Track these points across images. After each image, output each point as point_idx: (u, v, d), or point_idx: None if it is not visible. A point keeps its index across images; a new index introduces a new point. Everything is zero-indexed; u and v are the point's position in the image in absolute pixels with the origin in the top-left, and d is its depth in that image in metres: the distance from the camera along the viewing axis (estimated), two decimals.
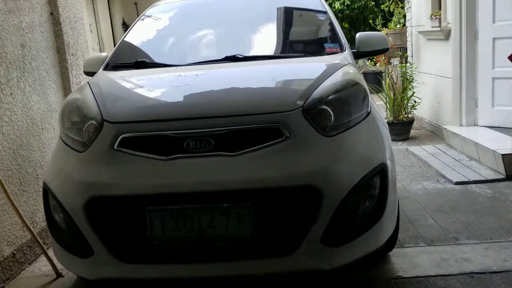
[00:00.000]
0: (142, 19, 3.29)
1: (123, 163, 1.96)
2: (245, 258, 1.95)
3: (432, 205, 3.34)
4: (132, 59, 2.85)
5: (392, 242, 2.43)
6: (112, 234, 1.98)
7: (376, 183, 2.04)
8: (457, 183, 3.76)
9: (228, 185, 1.89)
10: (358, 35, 3.04)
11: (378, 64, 7.48)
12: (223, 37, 3.01)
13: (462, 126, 4.96)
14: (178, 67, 2.60)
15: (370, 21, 9.72)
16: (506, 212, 3.11)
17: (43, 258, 2.86)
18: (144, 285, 2.28)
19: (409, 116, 5.70)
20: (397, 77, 5.90)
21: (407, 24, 6.64)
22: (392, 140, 2.56)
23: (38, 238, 2.72)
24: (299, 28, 3.16)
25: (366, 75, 7.98)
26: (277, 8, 3.22)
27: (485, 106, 4.82)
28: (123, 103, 2.22)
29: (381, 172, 2.04)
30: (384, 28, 8.09)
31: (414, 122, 5.76)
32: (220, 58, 2.66)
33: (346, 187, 1.92)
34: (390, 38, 3.08)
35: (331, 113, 2.04)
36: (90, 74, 2.97)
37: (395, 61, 6.95)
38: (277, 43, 2.99)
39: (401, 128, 5.54)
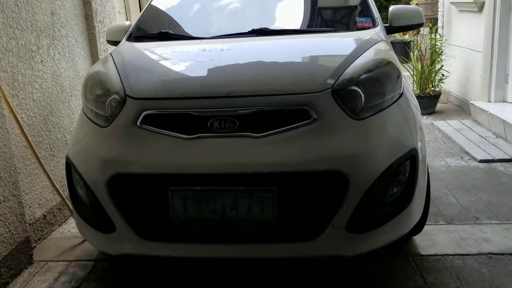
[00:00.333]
0: None
1: (146, 141, 1.93)
2: (267, 242, 1.93)
3: (454, 182, 3.33)
4: (156, 29, 2.82)
5: (419, 225, 2.34)
6: (134, 211, 1.98)
7: (405, 169, 1.96)
8: (482, 161, 3.72)
9: (252, 168, 1.85)
10: (391, 8, 2.93)
11: (407, 35, 7.30)
12: (249, 8, 2.95)
13: (490, 102, 4.87)
14: (203, 40, 2.56)
15: None
16: None
17: (72, 220, 2.99)
18: (165, 263, 2.34)
19: (436, 89, 5.60)
20: (426, 49, 5.76)
21: None
22: None
23: (67, 201, 2.83)
24: (329, 0, 3.05)
25: (393, 44, 7.80)
26: None
27: None
28: (146, 78, 2.18)
29: (411, 158, 1.96)
30: None
31: (441, 96, 5.66)
32: (246, 31, 2.59)
33: (374, 173, 1.86)
34: (421, 8, 2.98)
35: (362, 95, 1.96)
36: (113, 43, 2.98)
37: (425, 31, 6.77)
38: (306, 16, 2.90)
39: (427, 101, 5.45)
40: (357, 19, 2.73)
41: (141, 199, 1.97)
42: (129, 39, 2.75)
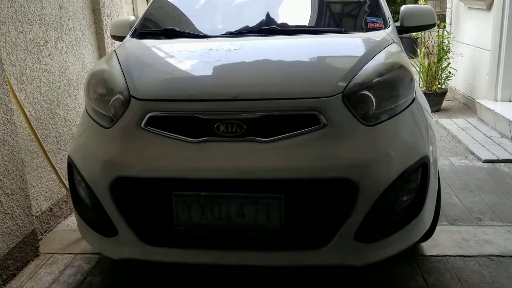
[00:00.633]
0: None
1: (150, 144, 1.89)
2: (273, 249, 1.89)
3: (458, 182, 3.33)
4: (161, 25, 2.77)
5: (429, 232, 2.27)
6: (137, 215, 1.95)
7: (417, 177, 1.91)
8: (486, 161, 3.72)
9: (259, 174, 1.80)
10: (403, 8, 2.85)
11: None
12: (258, 7, 2.87)
13: (496, 101, 4.85)
14: (210, 39, 2.51)
15: None
16: None
17: None
18: (169, 268, 2.32)
19: (442, 87, 5.58)
20: (433, 46, 5.73)
21: None
22: None
23: None
24: None
25: (400, 40, 7.76)
26: None
27: None
28: (151, 78, 2.11)
29: (423, 165, 1.91)
30: None
31: (447, 93, 5.64)
32: (255, 30, 2.54)
33: (385, 182, 1.81)
34: (433, 9, 2.97)
35: (373, 100, 1.89)
36: (117, 38, 2.93)
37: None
38: (315, 16, 2.83)
39: (433, 99, 5.44)
40: (368, 19, 2.66)
41: (144, 203, 1.94)
42: (134, 35, 2.68)
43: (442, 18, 6.47)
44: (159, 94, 1.98)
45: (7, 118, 2.33)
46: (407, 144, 1.91)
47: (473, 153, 3.92)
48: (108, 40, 3.69)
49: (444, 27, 6.22)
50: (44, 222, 2.82)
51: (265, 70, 2.10)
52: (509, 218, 2.78)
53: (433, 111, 5.41)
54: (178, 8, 3.05)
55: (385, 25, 2.58)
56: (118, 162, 1.91)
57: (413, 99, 2.04)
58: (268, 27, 2.51)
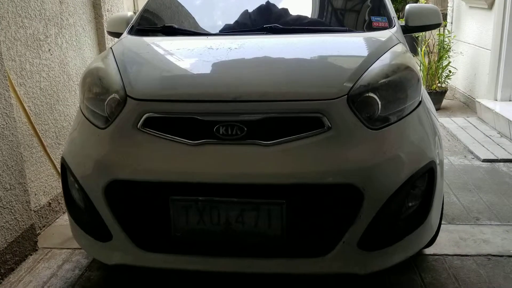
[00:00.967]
0: None
1: (147, 146, 1.82)
2: (274, 256, 1.83)
3: (456, 182, 3.34)
4: (160, 22, 2.71)
5: (433, 237, 2.17)
6: (132, 220, 1.89)
7: (423, 182, 1.86)
8: (485, 160, 3.73)
9: (260, 178, 1.74)
10: (408, 7, 2.78)
11: None
12: (260, 4, 2.76)
13: (496, 100, 4.86)
14: (209, 37, 2.45)
15: None
16: None
17: None
18: (165, 274, 2.26)
19: (442, 86, 5.58)
20: (433, 44, 5.73)
21: None
22: None
23: None
24: None
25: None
26: None
27: None
28: (148, 77, 2.03)
29: (430, 170, 1.85)
30: None
31: (447, 92, 5.64)
32: (256, 28, 2.46)
33: (390, 188, 1.75)
34: (429, 2, 2.96)
35: (379, 102, 1.83)
36: (114, 34, 2.86)
37: None
38: (319, 14, 2.77)
39: (434, 98, 5.41)
40: (373, 18, 2.58)
41: (140, 208, 1.88)
42: (131, 32, 2.60)
43: (443, 16, 6.45)
44: (157, 94, 1.91)
45: (6, 113, 2.33)
46: (413, 148, 1.85)
47: (472, 153, 3.93)
48: (109, 35, 3.68)
49: (445, 25, 6.21)
50: (42, 217, 2.83)
51: (267, 71, 2.02)
52: (507, 218, 2.78)
53: None
54: (177, 5, 2.98)
55: (390, 25, 2.51)
56: (113, 165, 1.84)
57: (420, 102, 1.98)
58: (270, 25, 2.44)
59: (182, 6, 2.96)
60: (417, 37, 7.08)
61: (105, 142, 1.90)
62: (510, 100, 4.81)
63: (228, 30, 2.58)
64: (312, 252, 1.82)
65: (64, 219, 2.97)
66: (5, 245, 2.34)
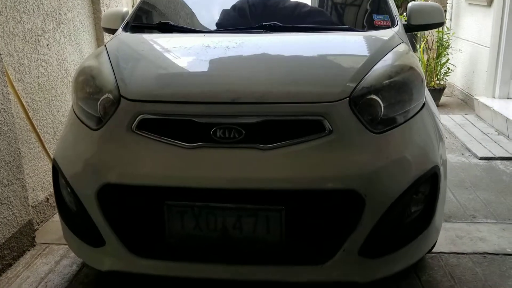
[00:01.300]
0: None
1: (141, 148, 1.76)
2: (272, 263, 1.78)
3: (454, 179, 3.35)
4: (156, 18, 2.65)
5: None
6: (126, 225, 1.84)
7: (427, 187, 1.81)
8: (482, 158, 3.74)
9: (258, 183, 1.68)
10: (410, 5, 2.71)
11: None
12: (259, 1, 2.72)
13: (494, 98, 4.87)
14: (207, 34, 2.38)
15: None
16: None
17: None
18: (159, 280, 2.18)
19: (441, 83, 5.59)
20: (432, 41, 5.73)
21: None
22: None
23: None
24: None
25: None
26: None
27: None
28: (143, 77, 1.96)
29: (433, 176, 1.80)
30: None
31: (445, 89, 5.65)
32: (255, 26, 2.38)
33: (393, 194, 1.70)
34: (441, 6, 2.98)
35: (381, 104, 1.77)
36: (108, 30, 2.81)
37: None
38: (319, 11, 2.71)
39: (432, 95, 5.31)
40: (375, 16, 2.52)
41: (134, 213, 1.82)
42: (126, 29, 2.51)
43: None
44: (152, 95, 1.84)
45: (4, 109, 2.33)
46: (417, 153, 1.79)
47: (469, 150, 3.94)
48: None
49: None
50: (40, 213, 2.83)
51: (266, 72, 1.95)
52: (503, 216, 2.80)
53: None
54: (173, 0, 2.91)
55: (393, 24, 2.44)
56: (106, 168, 1.78)
57: (423, 104, 1.92)
58: (269, 23, 2.36)
59: (179, 2, 2.90)
60: (416, 34, 7.08)
61: (97, 144, 1.84)
62: (508, 98, 4.82)
63: (226, 28, 2.52)
64: (311, 259, 1.77)
65: None
66: (3, 241, 2.34)
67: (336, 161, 1.69)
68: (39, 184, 2.83)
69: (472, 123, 4.67)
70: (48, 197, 2.91)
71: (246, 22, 2.56)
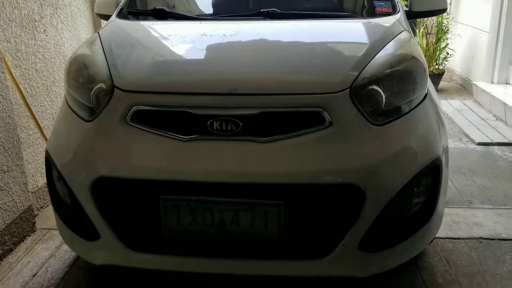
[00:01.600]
0: None
1: (136, 141, 1.72)
2: (270, 258, 1.76)
3: (451, 165, 3.34)
4: (150, 4, 2.57)
5: None
6: (121, 219, 1.80)
7: (429, 180, 1.78)
8: (480, 143, 3.75)
9: (256, 177, 1.64)
10: None
11: None
12: None
13: (493, 83, 4.86)
14: (203, 22, 2.31)
15: None
16: None
17: None
18: (155, 274, 2.17)
19: (440, 67, 5.58)
20: (432, 26, 5.70)
21: None
22: None
23: None
24: None
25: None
26: None
27: None
28: (137, 66, 1.90)
29: (435, 169, 1.77)
30: None
31: (444, 74, 5.64)
32: (253, 13, 2.32)
33: (394, 188, 1.67)
34: None
35: (383, 95, 1.73)
36: (102, 16, 2.74)
37: None
38: None
39: (431, 80, 5.42)
40: (376, 3, 2.44)
41: (129, 206, 1.78)
42: (120, 15, 2.43)
43: None
44: (146, 86, 1.79)
45: (2, 95, 2.33)
46: (419, 145, 1.75)
47: (467, 136, 3.95)
48: None
49: None
50: (40, 198, 2.85)
51: (265, 61, 1.90)
52: (499, 201, 2.82)
53: None
54: None
55: (394, 10, 2.37)
56: (100, 161, 1.73)
57: (426, 94, 1.88)
58: (268, 10, 2.30)
59: None
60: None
61: (91, 136, 1.79)
62: (506, 83, 4.82)
63: (223, 14, 2.46)
64: (310, 254, 1.74)
65: None
66: (4, 227, 2.36)
67: (336, 154, 1.65)
68: (39, 170, 2.84)
69: (470, 109, 4.68)
70: None
71: (244, 8, 2.51)
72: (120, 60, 1.93)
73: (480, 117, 4.40)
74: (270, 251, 1.75)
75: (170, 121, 1.72)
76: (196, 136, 1.68)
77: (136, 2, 2.65)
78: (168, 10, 2.43)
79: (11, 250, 2.42)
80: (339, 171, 1.64)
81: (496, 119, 4.31)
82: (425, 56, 5.48)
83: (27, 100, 2.66)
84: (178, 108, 1.72)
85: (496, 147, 3.69)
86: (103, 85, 1.82)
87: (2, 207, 2.36)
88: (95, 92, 1.83)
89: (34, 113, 2.73)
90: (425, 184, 1.79)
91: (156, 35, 2.24)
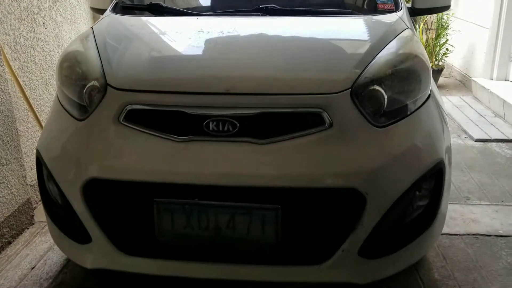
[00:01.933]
0: None
1: (129, 141, 1.66)
2: (267, 263, 1.71)
3: None
4: None
5: None
6: (114, 222, 1.75)
7: (431, 184, 1.74)
8: (478, 140, 3.76)
9: (253, 180, 1.59)
10: None
11: None
12: None
13: (492, 80, 4.87)
14: (200, 17, 2.23)
15: None
16: None
17: None
18: (148, 279, 2.04)
19: (439, 63, 5.57)
20: (432, 22, 5.69)
21: None
22: None
23: None
24: None
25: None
26: None
27: None
28: (131, 63, 1.84)
29: (438, 172, 1.72)
30: None
31: (444, 70, 5.64)
32: (251, 9, 2.26)
33: (396, 192, 1.62)
34: None
35: (385, 96, 1.68)
36: (97, 10, 2.67)
37: None
38: None
39: None
40: None
41: (121, 209, 1.73)
42: (115, 10, 2.35)
43: None
44: (140, 84, 1.72)
45: (1, 88, 2.33)
46: (422, 148, 1.70)
47: (465, 132, 3.96)
48: None
49: None
50: (38, 191, 2.85)
51: (263, 60, 1.84)
52: (496, 198, 2.83)
53: None
54: None
55: (397, 7, 2.31)
56: (92, 162, 1.68)
57: (429, 95, 1.83)
58: (267, 6, 2.23)
59: None
60: None
61: (83, 136, 1.74)
62: (505, 80, 4.82)
63: (221, 10, 2.41)
64: (309, 259, 1.70)
65: None
66: (2, 219, 2.37)
67: (336, 157, 1.60)
68: None
69: (469, 105, 4.68)
70: None
71: (242, 3, 2.44)
72: (113, 57, 1.87)
73: (478, 113, 4.41)
74: (268, 256, 1.70)
75: (165, 121, 1.67)
76: (191, 137, 1.63)
77: None
78: (164, 5, 2.38)
79: (10, 242, 2.43)
80: (339, 174, 1.59)
81: (495, 116, 4.32)
82: None
83: (26, 93, 2.66)
84: (173, 107, 1.66)
85: (494, 143, 3.70)
86: (96, 83, 1.76)
87: (1, 200, 2.36)
88: (88, 90, 1.77)
89: (33, 106, 2.73)
90: (428, 187, 1.75)
91: (152, 31, 2.19)
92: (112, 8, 2.39)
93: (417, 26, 5.77)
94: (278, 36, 2.08)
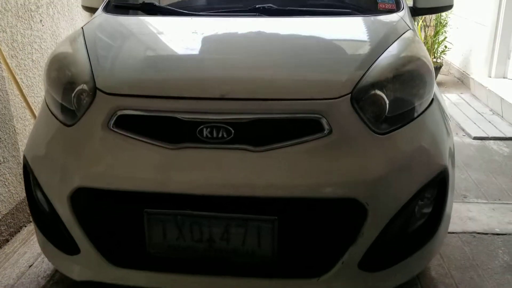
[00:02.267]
0: None
1: (119, 149, 1.58)
2: (263, 276, 1.63)
3: None
4: None
5: None
6: (103, 233, 1.68)
7: (434, 193, 1.67)
8: (476, 138, 3.77)
9: (248, 190, 1.51)
10: None
11: None
12: None
13: (490, 77, 4.87)
14: (194, 18, 2.15)
15: None
16: None
17: None
18: None
19: (438, 61, 5.57)
20: (430, 19, 5.69)
21: None
22: None
23: None
24: None
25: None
26: None
27: None
28: (121, 67, 1.77)
29: (442, 181, 1.66)
30: None
31: (442, 67, 5.64)
32: (247, 9, 2.18)
33: (398, 203, 1.56)
34: None
35: (386, 101, 1.60)
36: (88, 9, 2.59)
37: None
38: None
39: None
40: None
41: (111, 220, 1.66)
42: (107, 9, 2.27)
43: None
44: (131, 88, 1.65)
45: None
46: (425, 156, 1.63)
47: (463, 130, 3.96)
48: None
49: None
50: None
51: (259, 63, 1.77)
52: (494, 196, 2.84)
53: None
54: None
55: (398, 7, 2.23)
56: (80, 171, 1.60)
57: (432, 100, 1.75)
58: (263, 6, 2.15)
59: None
60: None
61: (71, 142, 1.66)
62: (504, 78, 4.83)
63: (217, 10, 2.34)
64: (307, 272, 1.62)
65: None
66: (0, 217, 2.37)
67: (335, 165, 1.52)
68: None
69: (468, 102, 4.69)
70: None
71: (239, 3, 2.36)
72: (103, 59, 1.80)
73: (476, 111, 4.42)
74: (263, 269, 1.63)
75: (156, 128, 1.59)
76: (184, 144, 1.56)
77: None
78: (158, 4, 2.31)
79: (8, 240, 2.43)
80: (338, 184, 1.52)
81: (493, 113, 4.32)
82: None
83: (23, 90, 2.65)
84: (165, 113, 1.59)
85: (492, 141, 3.71)
86: (85, 87, 1.69)
87: None
88: (76, 94, 1.70)
89: (30, 104, 2.72)
90: (431, 196, 1.69)
91: (144, 32, 2.13)
92: (104, 7, 2.31)
93: (415, 23, 5.77)
94: (275, 38, 2.01)
